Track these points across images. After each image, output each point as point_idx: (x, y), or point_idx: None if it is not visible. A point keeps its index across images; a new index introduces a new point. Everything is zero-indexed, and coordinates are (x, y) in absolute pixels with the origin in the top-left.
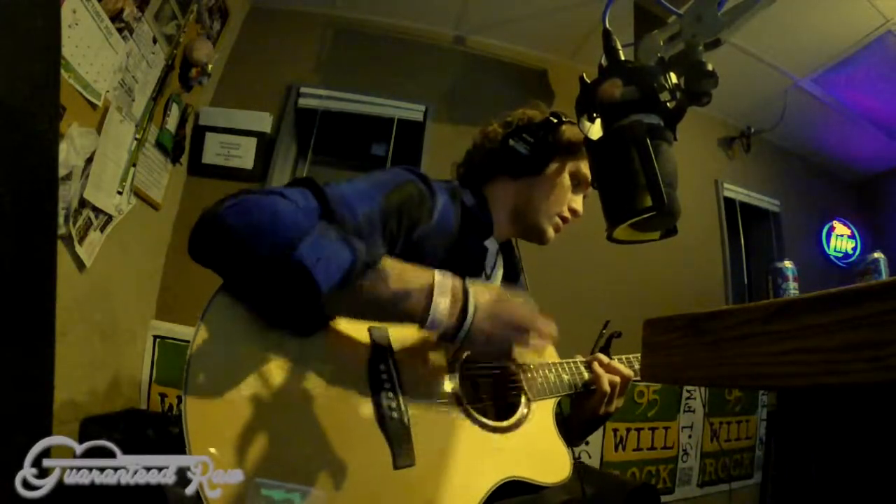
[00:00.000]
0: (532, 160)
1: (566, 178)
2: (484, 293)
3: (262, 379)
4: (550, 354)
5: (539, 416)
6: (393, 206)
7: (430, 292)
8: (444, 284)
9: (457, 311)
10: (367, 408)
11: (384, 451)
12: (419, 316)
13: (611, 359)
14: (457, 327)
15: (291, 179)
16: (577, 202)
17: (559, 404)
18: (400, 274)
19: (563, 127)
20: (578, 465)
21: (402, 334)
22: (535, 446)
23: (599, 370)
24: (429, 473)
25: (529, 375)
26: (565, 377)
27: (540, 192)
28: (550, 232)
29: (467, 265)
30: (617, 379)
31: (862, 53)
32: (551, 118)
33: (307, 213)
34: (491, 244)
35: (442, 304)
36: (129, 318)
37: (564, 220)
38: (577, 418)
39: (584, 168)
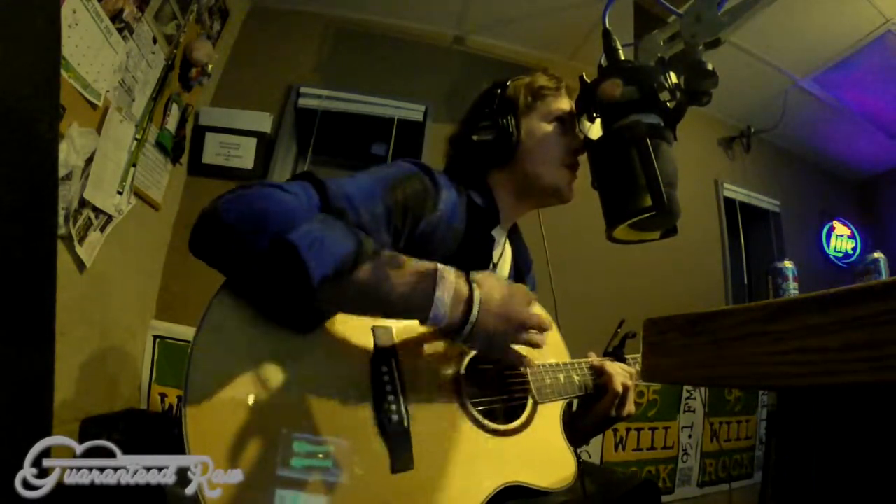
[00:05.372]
0: (504, 139)
1: (546, 127)
2: (487, 285)
3: (262, 381)
4: (561, 354)
5: (545, 420)
6: (398, 200)
7: (433, 286)
8: (447, 279)
9: (461, 307)
10: (367, 410)
11: (383, 455)
12: (421, 311)
13: (625, 359)
14: (461, 323)
15: (292, 175)
16: (573, 138)
17: (569, 404)
18: (402, 267)
19: (508, 86)
20: (581, 463)
21: (405, 335)
22: (539, 451)
23: (612, 370)
24: (427, 477)
25: (538, 377)
26: (576, 378)
27: (532, 157)
28: (565, 186)
29: (476, 256)
30: (630, 382)
31: (862, 53)
32: (493, 89)
33: (306, 204)
34: (498, 233)
35: (446, 299)
36: (129, 317)
37: (573, 165)
38: (585, 420)
39: (555, 104)
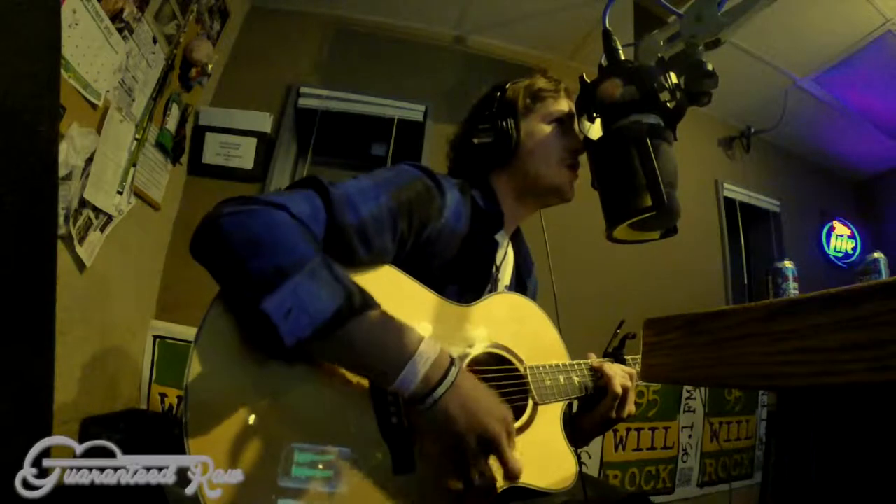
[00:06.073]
0: (504, 141)
1: (546, 128)
2: (469, 380)
3: (263, 382)
4: (561, 355)
5: (545, 421)
6: (403, 204)
7: (411, 355)
8: (429, 351)
9: (434, 379)
10: (367, 411)
11: (384, 456)
12: (392, 375)
13: (624, 360)
14: (426, 393)
15: (296, 180)
16: (572, 139)
17: (569, 405)
18: (387, 330)
19: (508, 89)
20: (581, 464)
21: None
22: (539, 451)
23: (611, 372)
24: (429, 479)
25: (538, 378)
26: (576, 379)
27: (532, 158)
28: (566, 185)
29: (478, 260)
30: (629, 383)
31: (862, 53)
32: (493, 91)
33: (310, 229)
34: (501, 237)
35: (420, 367)
36: (129, 318)
37: (573, 165)
38: (585, 421)
39: (554, 105)
